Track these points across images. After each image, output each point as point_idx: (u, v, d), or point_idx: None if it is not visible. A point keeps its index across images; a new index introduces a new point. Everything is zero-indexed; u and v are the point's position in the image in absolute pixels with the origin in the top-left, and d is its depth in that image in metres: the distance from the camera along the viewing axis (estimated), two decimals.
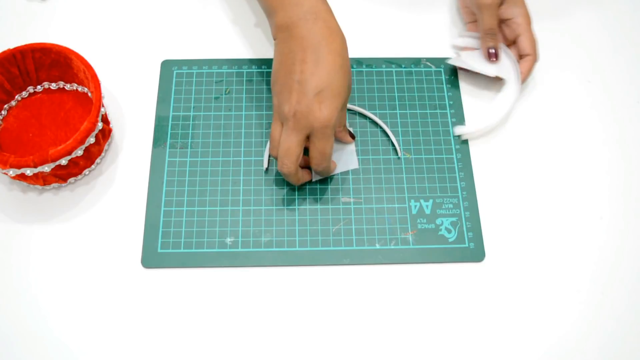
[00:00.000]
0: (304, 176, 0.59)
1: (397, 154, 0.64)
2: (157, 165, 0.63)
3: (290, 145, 0.55)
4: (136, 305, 0.57)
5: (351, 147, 0.63)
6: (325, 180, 0.62)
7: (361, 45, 0.71)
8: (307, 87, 0.54)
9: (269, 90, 0.67)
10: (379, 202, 0.62)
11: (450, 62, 0.68)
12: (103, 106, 0.60)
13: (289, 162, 0.56)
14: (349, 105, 0.66)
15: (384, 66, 0.69)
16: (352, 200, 0.62)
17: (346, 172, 0.63)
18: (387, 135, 0.65)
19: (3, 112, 0.64)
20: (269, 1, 0.58)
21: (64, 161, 0.57)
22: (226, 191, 0.62)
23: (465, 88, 0.68)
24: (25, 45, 0.62)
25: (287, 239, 0.60)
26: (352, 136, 0.63)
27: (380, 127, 0.65)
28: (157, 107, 0.66)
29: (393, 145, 0.64)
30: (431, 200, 0.62)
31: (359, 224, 0.61)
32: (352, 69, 0.68)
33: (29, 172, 0.56)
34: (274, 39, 0.58)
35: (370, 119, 0.66)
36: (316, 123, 0.53)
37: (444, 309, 0.57)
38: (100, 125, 0.59)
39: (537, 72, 0.70)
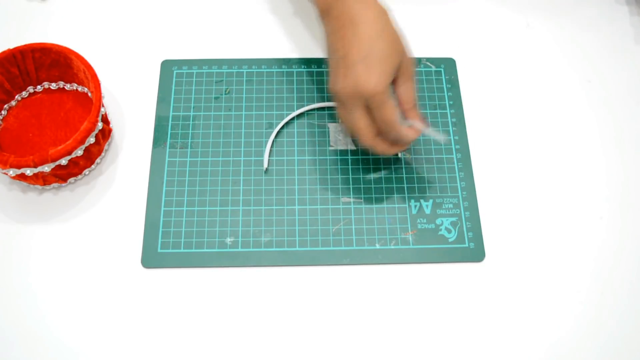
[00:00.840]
0: (386, 146, 0.57)
1: (397, 154, 0.64)
2: (157, 165, 0.63)
3: (353, 122, 0.55)
4: (136, 306, 0.57)
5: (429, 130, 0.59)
6: (326, 180, 0.62)
7: None
8: (349, 60, 0.53)
9: (269, 90, 0.68)
10: (379, 202, 0.62)
11: None
12: (103, 106, 0.60)
13: (362, 138, 0.56)
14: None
15: None
16: (352, 200, 0.62)
17: (346, 172, 0.63)
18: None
19: (3, 112, 0.64)
20: None
21: (64, 161, 0.57)
22: (226, 191, 0.62)
23: (465, 88, 0.68)
24: (25, 45, 0.62)
25: (287, 239, 0.60)
26: (424, 122, 0.58)
27: None
28: (157, 107, 0.66)
29: None
30: (431, 200, 0.62)
31: (359, 224, 0.61)
32: None
33: (29, 172, 0.56)
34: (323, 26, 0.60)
35: None
36: (365, 92, 0.53)
37: (444, 309, 0.57)
38: (100, 125, 0.59)
39: (538, 72, 0.70)
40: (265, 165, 0.63)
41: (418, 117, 0.58)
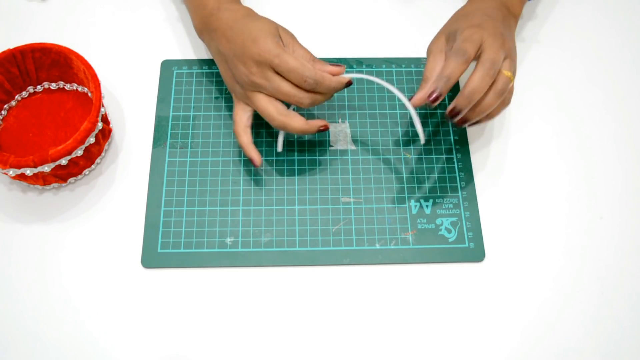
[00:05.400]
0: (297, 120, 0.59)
1: (420, 139, 0.61)
2: (157, 165, 0.63)
3: (268, 102, 0.59)
4: (136, 306, 0.57)
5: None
6: (326, 180, 0.62)
7: (361, 45, 0.71)
8: (239, 48, 0.58)
9: None
10: (379, 202, 0.62)
11: None
12: (103, 106, 0.60)
13: (275, 113, 0.58)
14: (368, 77, 0.61)
15: (384, 66, 0.69)
16: (352, 200, 0.62)
17: (346, 172, 0.63)
18: (388, 135, 0.65)
19: (3, 112, 0.64)
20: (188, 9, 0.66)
21: (64, 161, 0.57)
22: (226, 191, 0.62)
23: None
24: (25, 45, 0.62)
25: (287, 239, 0.60)
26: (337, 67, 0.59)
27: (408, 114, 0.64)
28: (157, 107, 0.66)
29: (394, 144, 0.64)
30: (431, 200, 0.62)
31: (359, 224, 0.61)
32: (352, 69, 0.69)
33: (29, 172, 0.56)
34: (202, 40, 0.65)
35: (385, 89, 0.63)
36: (257, 54, 0.57)
37: (444, 309, 0.57)
38: (100, 125, 0.59)
39: (537, 72, 0.70)
40: (280, 148, 0.62)
41: (328, 69, 0.58)
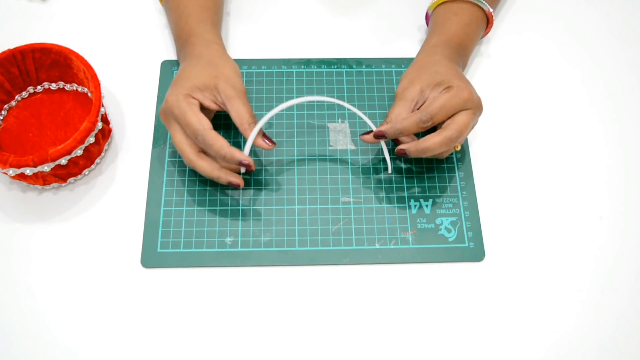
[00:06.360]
0: (209, 166, 0.58)
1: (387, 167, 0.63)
2: (156, 165, 0.63)
3: (173, 140, 0.59)
4: (136, 305, 0.57)
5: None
6: (326, 180, 0.63)
7: (361, 45, 0.71)
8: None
9: (269, 90, 0.68)
10: (378, 202, 0.62)
11: None
12: (103, 106, 0.60)
13: (182, 155, 0.59)
14: (345, 104, 0.62)
15: (383, 66, 0.69)
16: (352, 200, 0.62)
17: (346, 172, 0.63)
18: None
19: (3, 112, 0.64)
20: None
21: (63, 161, 0.57)
22: (226, 191, 0.62)
23: None
24: (25, 45, 0.62)
25: (287, 238, 0.60)
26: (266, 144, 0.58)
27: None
28: (157, 107, 0.66)
29: (394, 144, 0.64)
30: (431, 200, 0.62)
31: (358, 223, 0.61)
32: (351, 69, 0.69)
33: (28, 171, 0.56)
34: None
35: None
36: (163, 106, 0.59)
37: (444, 309, 0.57)
38: (100, 125, 0.59)
39: (537, 72, 0.70)
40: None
41: (260, 138, 0.58)
